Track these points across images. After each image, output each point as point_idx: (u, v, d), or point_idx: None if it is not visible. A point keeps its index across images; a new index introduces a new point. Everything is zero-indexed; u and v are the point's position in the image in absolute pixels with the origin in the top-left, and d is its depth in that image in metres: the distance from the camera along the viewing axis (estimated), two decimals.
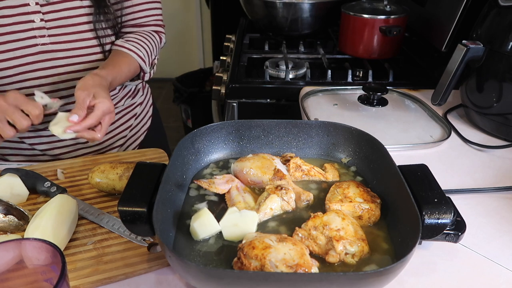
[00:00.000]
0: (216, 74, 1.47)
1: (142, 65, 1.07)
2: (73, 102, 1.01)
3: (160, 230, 0.57)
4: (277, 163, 0.76)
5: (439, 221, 0.59)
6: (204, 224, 0.63)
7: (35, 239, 0.50)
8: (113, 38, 1.08)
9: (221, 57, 1.71)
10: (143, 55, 1.07)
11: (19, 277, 0.51)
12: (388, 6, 1.41)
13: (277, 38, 1.71)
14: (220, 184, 0.71)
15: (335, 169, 0.78)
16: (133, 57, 1.04)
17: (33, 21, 0.96)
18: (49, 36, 0.98)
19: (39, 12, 0.96)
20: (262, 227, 0.66)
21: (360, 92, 1.22)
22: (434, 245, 0.70)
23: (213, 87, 1.43)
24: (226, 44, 1.76)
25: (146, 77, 1.13)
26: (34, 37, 0.97)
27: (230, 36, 1.79)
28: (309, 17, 1.64)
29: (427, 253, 0.69)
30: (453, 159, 0.96)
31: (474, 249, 0.70)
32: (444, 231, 0.62)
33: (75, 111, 0.84)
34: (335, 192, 0.71)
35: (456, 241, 0.66)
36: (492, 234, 0.74)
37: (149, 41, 1.11)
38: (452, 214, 0.60)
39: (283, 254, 0.56)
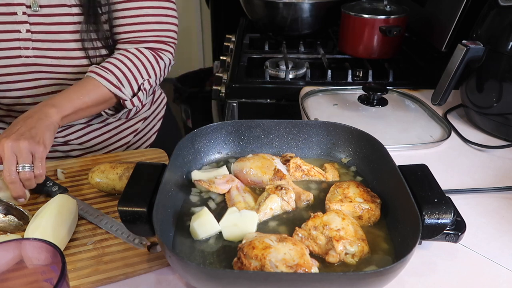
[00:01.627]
0: (216, 74, 1.47)
1: (117, 93, 0.94)
2: None
3: (160, 230, 0.57)
4: (277, 163, 0.76)
5: (439, 221, 0.59)
6: (204, 224, 0.63)
7: (35, 239, 0.50)
8: (103, 51, 1.00)
9: (221, 57, 1.71)
10: (117, 81, 0.94)
11: (19, 277, 0.51)
12: (388, 6, 1.41)
13: (277, 38, 1.71)
14: (220, 184, 0.71)
15: (335, 169, 0.78)
16: (102, 84, 0.93)
17: (19, 31, 0.93)
18: (33, 48, 0.94)
19: (26, 22, 0.93)
20: (262, 227, 0.66)
21: (360, 92, 1.22)
22: (434, 245, 0.70)
23: (213, 87, 1.43)
24: (226, 44, 1.76)
25: (129, 105, 0.98)
26: (19, 48, 0.94)
27: (230, 36, 1.79)
28: (309, 17, 1.64)
29: (427, 253, 0.69)
30: (453, 159, 0.96)
31: (474, 249, 0.70)
32: (444, 231, 0.62)
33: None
34: (335, 192, 0.71)
35: (456, 241, 0.66)
36: (492, 234, 0.74)
37: (133, 62, 0.98)
38: (452, 214, 0.60)
39: (283, 254, 0.56)
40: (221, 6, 2.81)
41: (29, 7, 0.92)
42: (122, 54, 0.98)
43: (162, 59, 1.04)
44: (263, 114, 1.36)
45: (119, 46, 1.01)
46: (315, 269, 0.56)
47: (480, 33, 1.01)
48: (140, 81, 0.99)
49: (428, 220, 0.59)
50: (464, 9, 1.25)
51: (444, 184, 0.67)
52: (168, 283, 0.64)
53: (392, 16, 1.38)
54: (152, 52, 1.02)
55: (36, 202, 0.80)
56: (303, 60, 1.50)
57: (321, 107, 1.19)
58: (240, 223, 0.63)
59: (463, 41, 1.01)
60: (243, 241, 0.60)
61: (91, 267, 0.65)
